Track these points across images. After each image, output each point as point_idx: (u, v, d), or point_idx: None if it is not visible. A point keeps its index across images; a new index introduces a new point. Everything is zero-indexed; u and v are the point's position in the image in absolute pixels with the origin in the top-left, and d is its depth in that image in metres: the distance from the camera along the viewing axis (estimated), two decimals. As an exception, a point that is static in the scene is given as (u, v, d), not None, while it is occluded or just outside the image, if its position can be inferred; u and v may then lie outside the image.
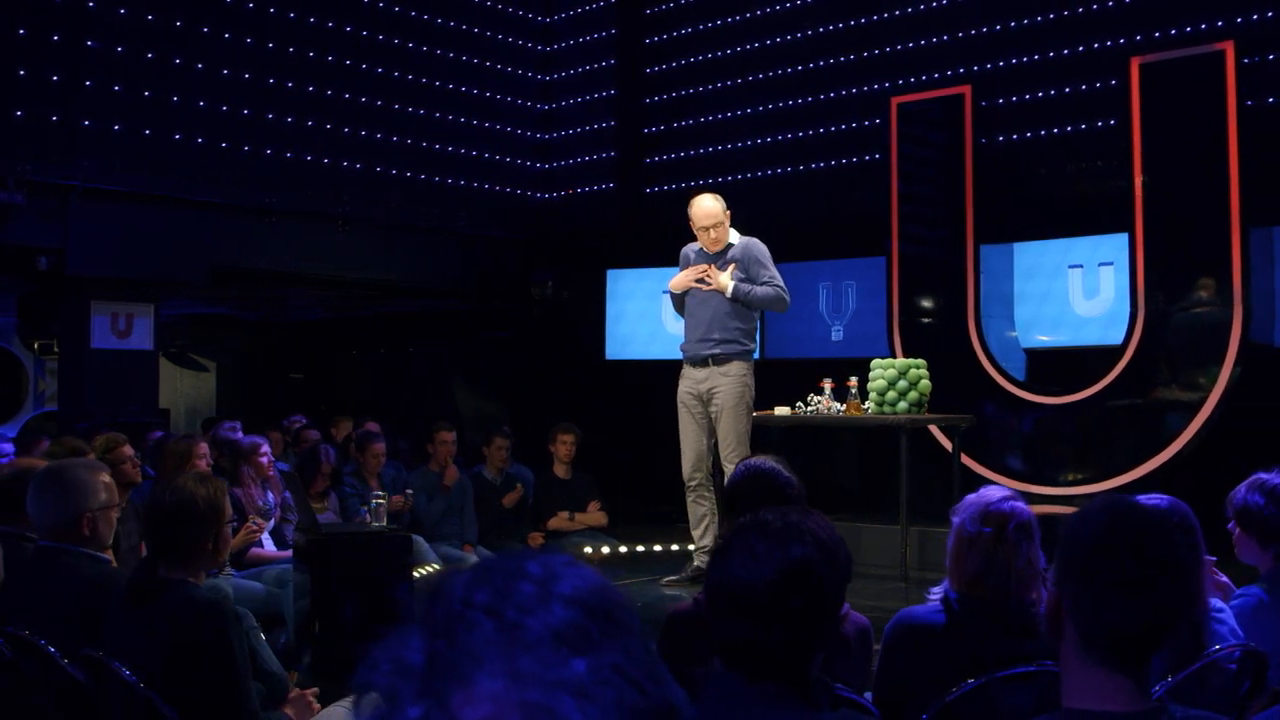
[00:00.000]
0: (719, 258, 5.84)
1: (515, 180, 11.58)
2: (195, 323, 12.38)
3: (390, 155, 10.43)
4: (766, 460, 2.72)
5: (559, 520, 8.39)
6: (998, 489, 2.92)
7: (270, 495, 6.67)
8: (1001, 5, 8.94)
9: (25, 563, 3.35)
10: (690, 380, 5.81)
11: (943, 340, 8.42)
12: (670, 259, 10.58)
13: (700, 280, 5.86)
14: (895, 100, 9.05)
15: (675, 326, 10.87)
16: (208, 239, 9.11)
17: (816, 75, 10.06)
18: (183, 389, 13.75)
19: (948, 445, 8.20)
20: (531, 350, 11.60)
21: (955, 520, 2.88)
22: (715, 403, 5.70)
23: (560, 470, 8.63)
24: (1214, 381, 7.47)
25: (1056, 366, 8.62)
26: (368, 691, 0.82)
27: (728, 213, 5.92)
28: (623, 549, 7.93)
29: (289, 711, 3.03)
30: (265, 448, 6.74)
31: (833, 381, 6.31)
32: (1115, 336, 8.18)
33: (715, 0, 10.79)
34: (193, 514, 2.88)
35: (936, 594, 2.89)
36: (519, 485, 8.21)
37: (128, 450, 5.00)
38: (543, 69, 11.82)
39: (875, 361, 6.34)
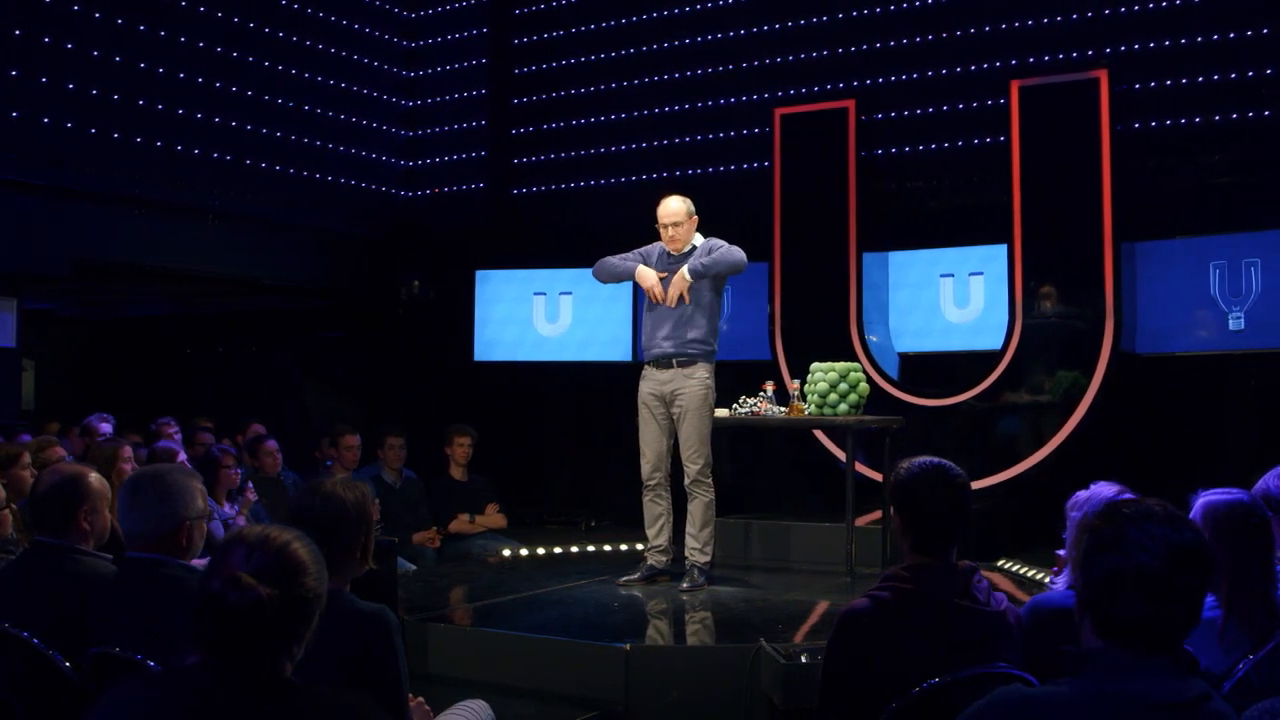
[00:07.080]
0: (683, 261, 5.90)
1: (381, 177, 11.32)
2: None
3: (259, 148, 10.03)
4: (931, 458, 2.85)
5: (459, 523, 8.30)
6: (1109, 485, 3.14)
7: (229, 506, 6.55)
8: (887, 23, 9.27)
9: (105, 579, 3.14)
10: (653, 381, 5.83)
11: (825, 344, 8.62)
12: (539, 261, 10.65)
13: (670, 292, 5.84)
14: (779, 111, 9.25)
15: (548, 328, 10.89)
16: (73, 230, 8.58)
17: (697, 83, 10.16)
18: (-5, 390, 12.83)
19: (829, 447, 8.53)
20: (396, 351, 11.35)
21: (1075, 515, 3.10)
22: (679, 404, 5.75)
23: (457, 473, 8.53)
24: (1086, 386, 8.02)
25: (929, 371, 9.05)
26: None
27: (693, 217, 5.97)
28: (556, 549, 7.88)
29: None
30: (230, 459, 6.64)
31: (774, 384, 6.47)
32: (984, 342, 8.67)
33: (590, 4, 10.81)
34: (344, 520, 2.78)
35: (1059, 583, 3.11)
36: None
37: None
38: (408, 65, 11.59)
39: (815, 365, 6.54)
